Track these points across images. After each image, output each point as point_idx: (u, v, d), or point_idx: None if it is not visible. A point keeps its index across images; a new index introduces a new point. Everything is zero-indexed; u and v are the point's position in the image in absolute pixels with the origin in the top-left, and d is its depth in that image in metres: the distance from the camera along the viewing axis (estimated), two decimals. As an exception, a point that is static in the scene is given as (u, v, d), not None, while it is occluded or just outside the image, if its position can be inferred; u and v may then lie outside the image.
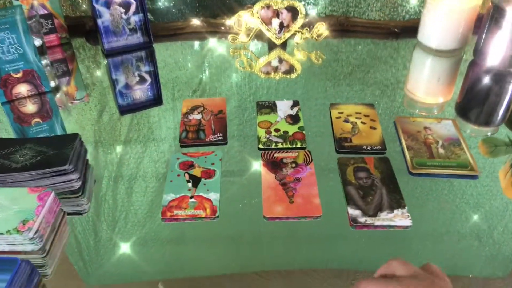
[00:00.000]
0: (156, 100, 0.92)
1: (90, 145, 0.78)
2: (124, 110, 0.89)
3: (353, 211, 0.63)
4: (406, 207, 0.64)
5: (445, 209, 0.66)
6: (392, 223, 0.61)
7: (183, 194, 0.66)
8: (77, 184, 0.65)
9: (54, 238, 0.60)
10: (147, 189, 0.70)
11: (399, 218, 0.62)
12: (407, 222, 0.61)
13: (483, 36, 0.95)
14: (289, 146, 0.76)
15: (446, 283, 0.40)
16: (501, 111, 0.88)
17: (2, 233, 0.55)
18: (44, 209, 0.58)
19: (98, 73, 1.02)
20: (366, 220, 0.62)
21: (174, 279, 0.59)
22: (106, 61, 1.04)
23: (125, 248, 0.61)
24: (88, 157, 0.74)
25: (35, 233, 0.56)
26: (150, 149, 0.78)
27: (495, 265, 0.59)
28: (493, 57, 0.94)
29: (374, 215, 0.63)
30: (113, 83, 0.98)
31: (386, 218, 0.62)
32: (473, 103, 0.91)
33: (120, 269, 0.59)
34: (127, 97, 0.93)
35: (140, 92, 0.94)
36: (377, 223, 0.61)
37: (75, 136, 0.69)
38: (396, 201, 0.65)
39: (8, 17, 0.79)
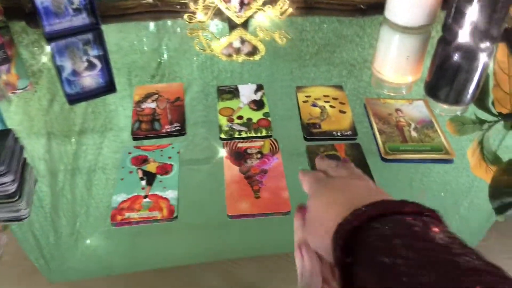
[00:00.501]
0: (108, 87, 0.85)
1: (42, 137, 0.72)
2: (73, 99, 0.81)
3: None
4: None
5: (417, 195, 0.64)
6: None
7: (135, 194, 0.59)
8: (12, 187, 0.57)
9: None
10: (107, 181, 0.65)
11: None
12: None
13: (452, 11, 0.91)
14: (254, 135, 0.70)
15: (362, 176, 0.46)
16: (471, 89, 0.86)
17: None
18: (-28, 220, 0.51)
19: (44, 59, 0.93)
20: None
21: (143, 271, 0.56)
22: (48, 45, 0.94)
23: (88, 242, 0.58)
24: (41, 150, 0.68)
25: (-39, 249, 0.48)
26: (109, 139, 0.72)
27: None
28: (463, 33, 0.91)
29: None
30: (58, 70, 0.89)
31: None
32: (443, 81, 0.88)
33: (84, 264, 0.55)
34: (75, 85, 0.85)
35: (90, 79, 0.86)
36: None
37: (7, 132, 0.61)
38: None
39: None
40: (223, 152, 0.67)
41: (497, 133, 0.76)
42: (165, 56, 0.96)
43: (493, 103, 0.82)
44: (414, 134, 0.70)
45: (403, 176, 0.67)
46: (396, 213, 0.34)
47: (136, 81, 0.85)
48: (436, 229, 0.32)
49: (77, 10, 0.92)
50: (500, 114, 0.79)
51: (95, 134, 0.73)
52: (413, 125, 0.72)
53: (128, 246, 0.57)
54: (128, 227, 0.57)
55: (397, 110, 0.75)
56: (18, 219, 0.58)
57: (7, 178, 0.56)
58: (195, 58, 0.93)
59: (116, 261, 0.56)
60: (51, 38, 0.93)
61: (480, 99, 0.83)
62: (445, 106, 0.82)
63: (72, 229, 0.59)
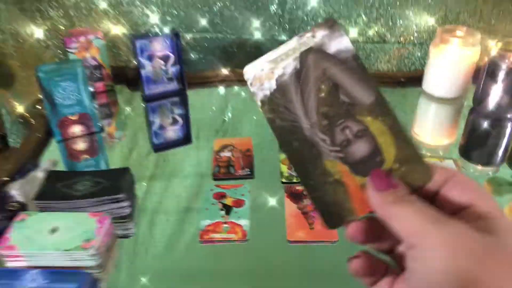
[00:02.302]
0: (186, 139, 1.04)
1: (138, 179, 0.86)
2: (157, 148, 1.00)
3: None
4: None
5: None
6: None
7: (217, 220, 0.77)
8: (128, 210, 0.76)
9: (108, 257, 0.70)
10: (185, 219, 0.80)
11: None
12: None
13: (481, 87, 1.04)
14: (309, 181, 0.86)
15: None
16: (500, 152, 0.97)
17: (69, 250, 0.66)
18: (103, 231, 0.69)
19: (135, 115, 1.14)
20: None
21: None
22: (145, 105, 1.16)
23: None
24: (139, 191, 0.84)
25: (96, 250, 0.66)
26: (191, 180, 0.89)
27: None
28: (490, 105, 1.04)
29: None
30: (150, 124, 1.10)
31: None
32: (475, 146, 1.00)
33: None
34: (160, 137, 1.05)
35: (172, 133, 1.06)
36: None
37: (126, 169, 0.81)
38: None
39: (71, 69, 0.93)
40: (284, 193, 0.83)
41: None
42: (230, 114, 1.13)
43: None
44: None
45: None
46: None
47: (206, 135, 1.03)
48: None
49: (170, 79, 1.15)
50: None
51: (175, 179, 0.89)
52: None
53: (198, 275, 0.70)
54: (211, 246, 0.73)
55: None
56: (127, 236, 0.76)
57: (125, 203, 0.75)
58: (255, 117, 1.10)
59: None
60: (148, 99, 1.16)
61: (513, 160, 0.92)
62: (478, 167, 0.93)
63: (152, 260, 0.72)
